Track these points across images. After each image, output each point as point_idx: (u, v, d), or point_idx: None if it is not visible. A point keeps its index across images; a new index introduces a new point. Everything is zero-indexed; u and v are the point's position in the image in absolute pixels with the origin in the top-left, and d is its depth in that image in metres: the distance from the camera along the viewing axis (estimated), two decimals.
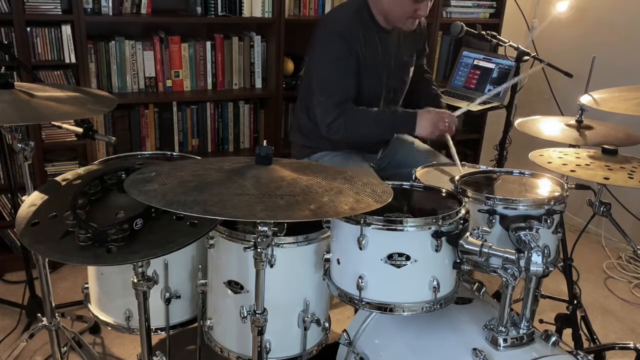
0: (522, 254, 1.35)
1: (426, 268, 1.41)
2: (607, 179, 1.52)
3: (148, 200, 1.15)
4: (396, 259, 1.39)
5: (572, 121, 2.02)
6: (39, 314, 1.87)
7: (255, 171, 1.28)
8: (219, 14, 2.78)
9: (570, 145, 1.93)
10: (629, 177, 1.53)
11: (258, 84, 3.00)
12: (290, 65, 2.99)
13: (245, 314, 1.48)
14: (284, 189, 1.21)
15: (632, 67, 3.06)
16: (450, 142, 2.16)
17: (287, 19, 2.86)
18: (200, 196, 1.16)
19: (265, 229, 1.26)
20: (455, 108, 2.35)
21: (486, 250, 1.38)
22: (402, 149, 2.45)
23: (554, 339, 1.44)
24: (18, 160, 1.79)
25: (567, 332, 2.08)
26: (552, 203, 1.57)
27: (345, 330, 1.70)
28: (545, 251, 1.36)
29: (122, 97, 2.69)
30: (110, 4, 2.58)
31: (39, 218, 1.30)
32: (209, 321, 1.71)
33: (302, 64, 2.99)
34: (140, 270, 1.31)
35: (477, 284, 1.55)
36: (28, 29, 2.45)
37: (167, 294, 1.69)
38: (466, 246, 1.41)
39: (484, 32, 2.46)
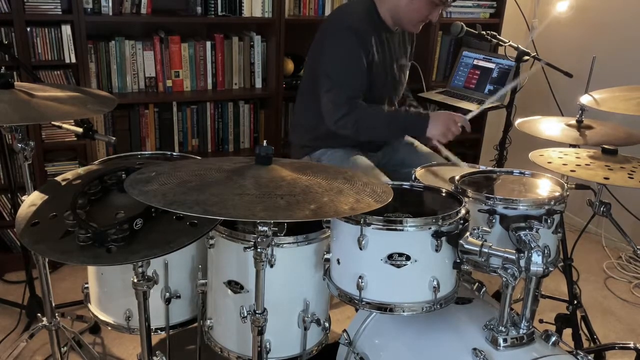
0: (522, 254, 1.35)
1: (426, 268, 1.41)
2: (607, 179, 1.52)
3: (148, 200, 1.15)
4: (396, 259, 1.39)
5: (572, 121, 2.02)
6: (39, 314, 1.87)
7: (255, 171, 1.28)
8: (219, 14, 2.78)
9: (570, 145, 1.93)
10: (629, 177, 1.53)
11: (258, 84, 3.00)
12: (290, 65, 2.99)
13: (245, 314, 1.48)
14: (284, 189, 1.20)
15: (632, 67, 3.06)
16: (444, 149, 2.15)
17: (287, 19, 2.86)
18: (200, 196, 1.16)
19: (265, 229, 1.26)
20: (461, 109, 2.35)
21: (486, 250, 1.38)
22: (402, 149, 2.45)
23: (554, 339, 1.44)
24: (18, 160, 1.79)
25: (567, 332, 2.08)
26: (552, 203, 1.57)
27: (345, 330, 1.70)
28: (545, 251, 1.36)
29: (122, 97, 2.69)
30: (110, 4, 2.58)
31: (39, 218, 1.30)
32: (209, 321, 1.71)
33: (303, 64, 2.99)
34: (140, 270, 1.31)
35: (477, 284, 1.55)
36: (28, 29, 2.45)
37: (167, 294, 1.69)
38: (466, 246, 1.41)
39: (484, 32, 2.46)
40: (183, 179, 1.25)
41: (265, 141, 1.36)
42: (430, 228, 1.39)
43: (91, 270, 1.77)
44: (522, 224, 1.52)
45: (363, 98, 2.16)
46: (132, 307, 1.64)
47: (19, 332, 2.26)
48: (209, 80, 2.91)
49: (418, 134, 2.26)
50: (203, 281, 1.68)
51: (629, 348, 1.95)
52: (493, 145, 2.60)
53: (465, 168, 1.99)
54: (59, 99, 1.60)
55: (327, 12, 2.99)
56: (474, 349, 1.39)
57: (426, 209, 1.61)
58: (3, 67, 2.36)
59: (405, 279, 1.42)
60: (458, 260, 1.44)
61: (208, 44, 2.85)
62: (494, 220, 1.57)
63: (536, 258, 1.33)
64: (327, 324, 1.70)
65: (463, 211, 1.45)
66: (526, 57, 2.39)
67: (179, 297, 1.72)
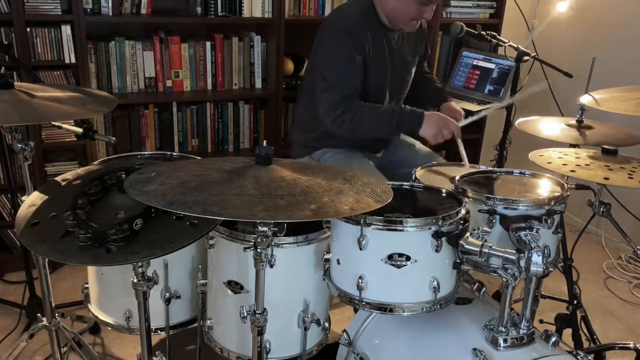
0: (522, 254, 1.35)
1: (426, 268, 1.41)
2: (607, 179, 1.52)
3: (148, 200, 1.15)
4: (396, 259, 1.39)
5: (572, 121, 2.02)
6: (39, 314, 1.87)
7: (255, 171, 1.28)
8: (219, 14, 2.78)
9: (570, 145, 1.93)
10: (629, 177, 1.53)
11: (258, 84, 3.00)
12: (290, 65, 2.99)
13: (245, 314, 1.48)
14: (284, 189, 1.20)
15: (632, 67, 3.06)
16: (461, 145, 2.17)
17: (287, 19, 2.86)
18: (200, 196, 1.16)
19: (265, 229, 1.26)
20: (469, 112, 2.36)
21: (486, 251, 1.38)
22: (402, 150, 2.46)
23: (554, 339, 1.44)
24: (18, 160, 1.78)
25: (567, 332, 2.08)
26: (552, 203, 1.57)
27: (345, 330, 1.70)
28: (546, 251, 1.36)
29: (122, 97, 2.69)
30: (110, 4, 2.58)
31: (39, 218, 1.30)
32: (209, 321, 1.71)
33: (303, 64, 2.99)
34: (140, 270, 1.31)
35: (477, 284, 1.55)
36: (28, 29, 2.45)
37: (167, 294, 1.69)
38: (466, 246, 1.41)
39: (484, 32, 2.46)
40: (183, 179, 1.25)
41: (265, 141, 1.36)
42: (430, 228, 1.39)
43: (91, 270, 1.77)
44: (522, 224, 1.51)
45: (361, 97, 2.17)
46: (132, 307, 1.64)
47: (19, 332, 2.26)
48: (209, 81, 2.91)
49: (412, 131, 2.27)
50: (203, 281, 1.68)
51: (629, 348, 1.95)
52: (493, 145, 2.60)
53: (467, 168, 2.00)
54: (59, 99, 1.60)
55: (327, 12, 2.99)
56: (474, 349, 1.39)
57: (426, 209, 1.61)
58: (3, 67, 2.36)
59: (405, 279, 1.42)
60: (458, 261, 1.44)
61: (208, 44, 2.85)
62: (494, 221, 1.57)
63: (536, 258, 1.33)
64: (327, 324, 1.70)
65: (463, 211, 1.45)
66: (526, 57, 2.39)
67: (179, 297, 1.72)
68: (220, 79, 2.93)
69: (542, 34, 3.41)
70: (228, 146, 3.05)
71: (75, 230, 1.22)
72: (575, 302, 2.04)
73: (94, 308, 1.81)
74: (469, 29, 2.46)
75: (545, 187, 1.72)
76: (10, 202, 2.61)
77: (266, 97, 3.00)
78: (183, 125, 2.92)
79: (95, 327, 2.29)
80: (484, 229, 1.43)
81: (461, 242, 1.41)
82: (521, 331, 1.43)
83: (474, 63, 3.11)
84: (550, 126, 2.02)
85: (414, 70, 2.40)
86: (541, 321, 2.25)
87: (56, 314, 1.84)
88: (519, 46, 2.42)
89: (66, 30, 2.50)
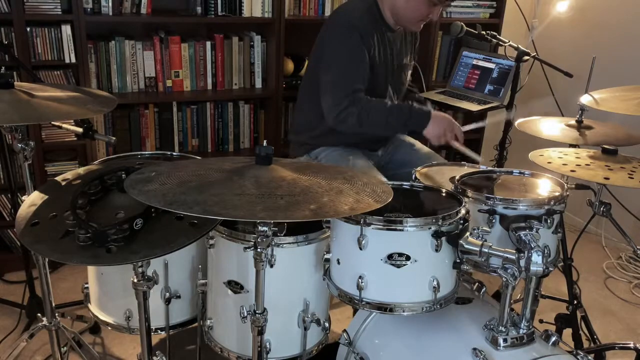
0: (522, 254, 1.35)
1: (426, 268, 1.41)
2: (607, 179, 1.52)
3: (148, 200, 1.15)
4: (396, 259, 1.39)
5: (572, 121, 2.02)
6: (39, 314, 1.87)
7: (255, 171, 1.28)
8: (219, 14, 2.78)
9: (570, 145, 1.93)
10: (629, 177, 1.53)
11: (258, 84, 3.00)
12: (290, 65, 2.99)
13: (245, 314, 1.48)
14: (284, 189, 1.21)
15: (632, 67, 3.06)
16: (462, 148, 2.19)
17: (287, 19, 2.86)
18: (200, 196, 1.16)
19: (265, 229, 1.26)
20: (461, 109, 2.36)
21: (486, 250, 1.38)
22: (402, 150, 2.45)
23: (554, 339, 1.44)
24: (18, 160, 1.79)
25: (567, 332, 2.08)
26: (552, 203, 1.57)
27: (345, 330, 1.70)
28: (545, 251, 1.36)
29: (122, 97, 2.69)
30: (110, 4, 2.58)
31: (39, 218, 1.30)
32: (209, 321, 1.71)
33: (303, 64, 2.99)
34: (140, 270, 1.31)
35: (477, 284, 1.55)
36: (28, 29, 2.45)
37: (167, 294, 1.69)
38: (466, 246, 1.41)
39: (484, 32, 2.46)
40: (183, 179, 1.25)
41: (265, 141, 1.36)
42: (430, 228, 1.39)
43: (91, 270, 1.77)
44: (522, 224, 1.52)
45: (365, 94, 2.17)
46: (132, 307, 1.64)
47: (19, 332, 2.26)
48: (209, 80, 2.91)
49: (418, 129, 2.26)
50: (203, 281, 1.68)
51: (629, 348, 1.95)
52: (493, 145, 2.60)
53: (481, 163, 2.02)
54: (59, 99, 1.60)
55: (327, 12, 2.99)
56: (474, 349, 1.39)
57: (426, 209, 1.61)
58: (3, 67, 2.36)
59: (405, 279, 1.42)
60: (458, 260, 1.44)
61: (208, 44, 2.85)
62: (494, 220, 1.57)
63: (536, 258, 1.33)
64: (327, 324, 1.70)
65: (463, 211, 1.45)
66: (526, 57, 2.39)
67: (179, 297, 1.72)
68: (220, 79, 2.93)
69: (542, 34, 3.42)
70: (228, 146, 3.05)
71: (75, 230, 1.22)
72: (575, 302, 2.04)
73: (94, 308, 1.81)
74: (469, 29, 2.46)
75: (545, 187, 1.72)
76: (10, 202, 2.61)
77: (266, 97, 3.00)
78: (183, 125, 2.93)
79: (96, 327, 2.29)
80: (484, 228, 1.43)
81: (461, 241, 1.41)
82: (521, 331, 1.43)
83: (474, 63, 3.11)
84: (550, 126, 2.02)
85: (410, 72, 2.40)
86: (541, 321, 2.25)
87: (56, 314, 1.84)
88: (519, 46, 2.41)
89: (66, 30, 2.50)
